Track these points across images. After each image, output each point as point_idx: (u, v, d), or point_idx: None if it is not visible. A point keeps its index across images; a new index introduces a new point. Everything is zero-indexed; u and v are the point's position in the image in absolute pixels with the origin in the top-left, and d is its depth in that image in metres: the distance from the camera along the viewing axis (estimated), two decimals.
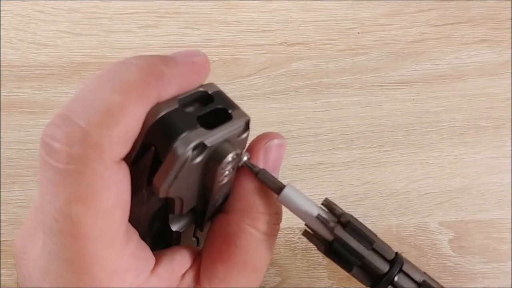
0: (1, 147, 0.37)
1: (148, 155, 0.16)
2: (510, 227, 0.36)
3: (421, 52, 0.38)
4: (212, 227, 0.20)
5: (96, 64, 0.37)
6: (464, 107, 0.37)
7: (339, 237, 0.19)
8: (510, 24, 0.39)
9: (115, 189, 0.15)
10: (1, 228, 0.36)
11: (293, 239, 0.35)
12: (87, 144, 0.14)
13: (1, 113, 0.37)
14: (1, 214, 0.36)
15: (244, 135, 0.18)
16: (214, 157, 0.17)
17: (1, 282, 0.36)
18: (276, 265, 0.35)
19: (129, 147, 0.15)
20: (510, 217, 0.36)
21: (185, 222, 0.20)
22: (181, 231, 0.20)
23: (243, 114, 0.18)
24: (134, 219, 0.17)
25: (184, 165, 0.16)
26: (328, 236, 0.20)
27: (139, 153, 0.16)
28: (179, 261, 0.19)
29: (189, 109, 0.17)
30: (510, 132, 0.37)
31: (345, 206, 0.36)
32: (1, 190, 0.36)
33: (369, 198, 0.36)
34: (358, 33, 0.38)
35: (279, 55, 0.38)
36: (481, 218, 0.36)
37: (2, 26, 0.37)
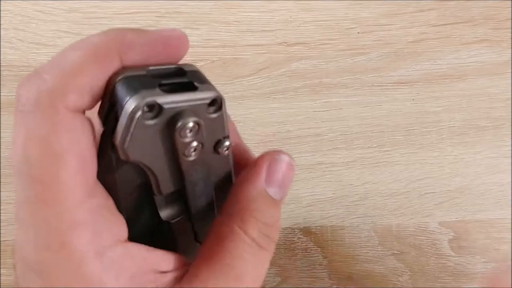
0: (1, 147, 0.37)
1: (111, 115, 0.16)
2: (510, 227, 0.36)
3: (421, 52, 0.38)
4: (209, 230, 0.20)
5: None
6: (464, 107, 0.37)
7: None
8: (510, 24, 0.39)
9: (67, 135, 0.16)
10: (1, 228, 0.36)
11: (293, 239, 0.35)
12: (42, 90, 0.16)
13: (1, 113, 0.37)
14: (1, 214, 0.36)
15: (216, 114, 0.17)
16: (171, 122, 0.16)
17: (1, 282, 0.36)
18: (276, 265, 0.35)
19: (85, 101, 0.16)
20: (510, 217, 0.36)
21: (174, 211, 0.20)
22: (171, 221, 0.20)
23: (214, 90, 0.17)
24: (111, 191, 0.17)
25: (136, 122, 0.16)
26: None
27: (107, 114, 0.17)
28: (162, 257, 0.18)
29: (156, 78, 0.17)
30: (510, 132, 0.37)
31: (345, 206, 0.36)
32: (1, 190, 0.36)
33: (369, 198, 0.36)
34: (358, 33, 0.38)
35: (279, 55, 0.38)
36: (481, 218, 0.36)
37: (2, 26, 0.37)
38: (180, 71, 0.18)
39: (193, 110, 0.17)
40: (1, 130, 0.37)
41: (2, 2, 0.38)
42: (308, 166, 0.36)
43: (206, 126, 0.17)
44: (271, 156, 0.20)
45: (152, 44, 0.17)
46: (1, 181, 0.36)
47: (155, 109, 0.16)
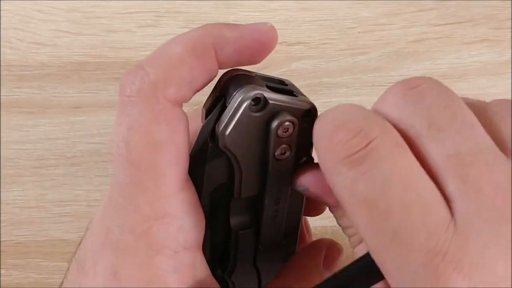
0: (0, 147, 0.36)
1: (218, 105, 0.18)
2: None
3: (422, 51, 0.38)
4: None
5: (95, 64, 0.37)
6: None
7: None
8: (511, 23, 0.39)
9: (167, 125, 0.17)
10: (1, 229, 0.36)
11: None
12: (145, 81, 0.17)
13: (1, 113, 0.37)
14: (1, 215, 0.36)
15: (308, 124, 0.18)
16: (273, 118, 0.18)
17: (1, 282, 0.36)
18: None
19: (184, 93, 0.17)
20: None
21: (245, 221, 0.20)
22: (240, 231, 0.20)
23: (309, 101, 0.19)
24: (196, 185, 0.18)
25: (242, 111, 0.17)
26: None
27: (212, 106, 0.18)
28: None
29: (264, 80, 0.19)
30: (510, 132, 0.37)
31: None
32: (1, 190, 0.36)
33: None
34: (359, 32, 0.38)
35: (279, 55, 0.38)
36: None
37: (1, 26, 0.37)
38: (282, 82, 0.19)
39: (292, 112, 0.18)
40: (1, 130, 0.37)
41: (1, 1, 0.38)
42: None
43: (300, 135, 0.18)
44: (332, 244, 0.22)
45: (245, 38, 0.18)
46: (1, 181, 0.36)
47: (261, 102, 0.17)
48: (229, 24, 0.18)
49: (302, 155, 0.19)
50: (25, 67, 0.37)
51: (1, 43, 0.37)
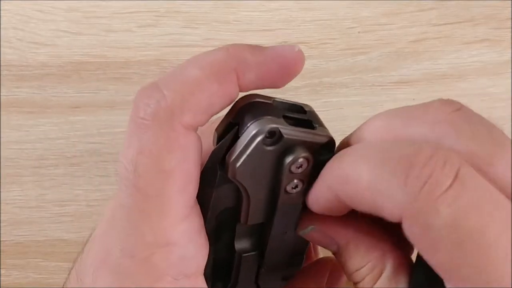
0: (0, 147, 0.36)
1: (231, 133, 0.17)
2: None
3: (422, 51, 0.38)
4: None
5: (95, 64, 0.37)
6: None
7: None
8: (511, 23, 0.39)
9: (180, 153, 0.16)
10: (1, 229, 0.36)
11: None
12: (161, 105, 0.16)
13: (0, 113, 0.37)
14: (1, 214, 0.36)
15: (325, 157, 0.17)
16: (286, 153, 0.17)
17: (1, 282, 0.36)
18: None
19: (200, 119, 0.16)
20: None
21: (249, 245, 0.20)
22: (244, 255, 0.20)
23: (328, 133, 0.18)
24: (203, 208, 0.17)
25: (254, 144, 0.16)
26: None
27: (225, 132, 0.17)
28: None
29: (281, 109, 0.18)
30: (510, 132, 0.37)
31: None
32: (1, 190, 0.36)
33: None
34: (359, 32, 0.38)
35: None
36: None
37: (1, 26, 0.37)
38: (301, 109, 0.18)
39: (307, 146, 0.17)
40: (0, 130, 0.36)
41: (1, 1, 0.38)
42: None
43: (313, 169, 0.17)
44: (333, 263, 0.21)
45: (269, 63, 0.17)
46: (1, 181, 0.36)
47: (275, 136, 0.16)
48: (253, 46, 0.17)
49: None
50: (24, 67, 0.37)
51: (1, 43, 0.37)
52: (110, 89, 0.37)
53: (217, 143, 0.18)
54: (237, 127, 0.17)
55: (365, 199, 0.15)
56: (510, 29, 0.39)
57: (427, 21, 0.39)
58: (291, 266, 0.21)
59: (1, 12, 0.37)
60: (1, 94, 0.37)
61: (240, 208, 0.18)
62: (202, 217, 0.18)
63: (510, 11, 0.39)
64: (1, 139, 0.36)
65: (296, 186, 0.18)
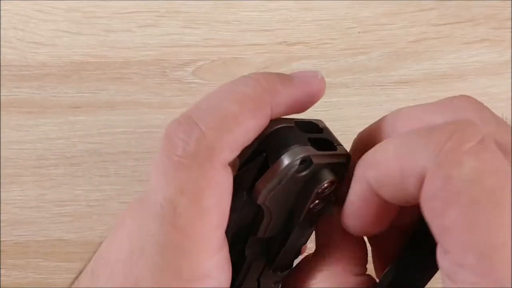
0: (0, 147, 0.36)
1: (258, 160, 0.17)
2: None
3: (422, 51, 0.38)
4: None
5: (95, 64, 0.37)
6: None
7: None
8: (511, 23, 0.39)
9: (218, 190, 0.16)
10: (1, 229, 0.36)
11: None
12: (201, 144, 0.16)
13: (0, 113, 0.37)
14: (1, 214, 0.36)
15: (344, 175, 0.18)
16: (314, 178, 0.17)
17: (1, 282, 0.36)
18: None
19: (236, 154, 0.16)
20: None
21: (259, 252, 0.20)
22: (254, 261, 0.20)
23: (346, 151, 0.19)
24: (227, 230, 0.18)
25: (288, 174, 0.17)
26: None
27: (250, 158, 0.18)
28: None
29: (304, 132, 0.18)
30: None
31: None
32: (1, 190, 0.36)
33: None
34: (359, 32, 0.38)
35: (279, 55, 0.38)
36: None
37: (1, 26, 0.37)
38: (318, 127, 0.19)
39: (332, 169, 0.18)
40: (0, 130, 0.36)
41: (1, 1, 0.38)
42: None
43: (335, 189, 0.18)
44: None
45: (298, 95, 0.18)
46: (1, 181, 0.36)
47: (306, 164, 0.17)
48: (282, 76, 0.18)
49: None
50: (24, 67, 0.37)
51: (1, 43, 0.37)
52: (110, 89, 0.37)
53: (240, 169, 0.18)
54: (264, 154, 0.17)
55: (392, 172, 0.15)
56: (510, 29, 0.39)
57: (427, 21, 0.39)
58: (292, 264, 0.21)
59: (1, 12, 0.37)
60: (1, 94, 0.37)
61: (256, 223, 0.19)
62: (227, 244, 0.18)
63: (510, 11, 0.39)
64: (1, 139, 0.36)
65: (318, 203, 0.18)
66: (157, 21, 0.38)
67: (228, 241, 0.18)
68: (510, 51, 0.38)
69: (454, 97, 0.16)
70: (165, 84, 0.37)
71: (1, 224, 0.36)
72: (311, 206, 0.18)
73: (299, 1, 0.38)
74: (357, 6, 0.38)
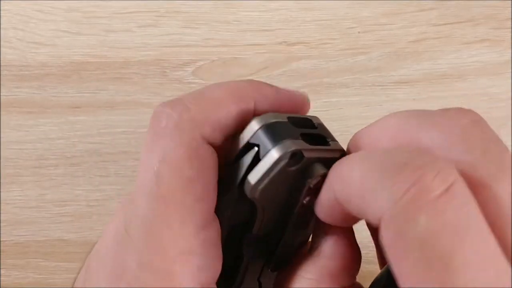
0: (0, 147, 0.36)
1: (249, 154, 0.18)
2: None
3: (422, 51, 0.38)
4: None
5: (95, 64, 0.37)
6: (464, 107, 0.37)
7: None
8: (511, 23, 0.39)
9: (200, 162, 0.16)
10: (1, 229, 0.36)
11: None
12: (183, 116, 0.17)
13: (0, 113, 0.37)
14: (1, 214, 0.36)
15: None
16: (306, 172, 0.18)
17: (1, 282, 0.36)
18: None
19: (216, 136, 0.17)
20: None
21: (257, 251, 0.20)
22: (251, 262, 0.20)
23: (340, 147, 0.19)
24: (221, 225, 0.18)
25: (279, 167, 0.17)
26: None
27: (242, 153, 0.18)
28: None
29: (297, 127, 0.18)
30: (510, 132, 0.37)
31: None
32: (1, 190, 0.36)
33: None
34: (359, 32, 0.38)
35: (279, 55, 0.38)
36: None
37: (1, 26, 0.37)
38: (312, 123, 0.19)
39: (324, 163, 0.18)
40: (0, 130, 0.37)
41: (1, 1, 0.38)
42: None
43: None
44: None
45: (283, 101, 0.19)
46: (1, 181, 0.36)
47: (297, 157, 0.17)
48: (271, 85, 0.19)
49: None
50: (24, 67, 0.37)
51: (1, 43, 0.37)
52: (110, 89, 0.37)
53: (233, 164, 0.18)
54: (256, 148, 0.18)
55: (354, 197, 0.15)
56: (510, 29, 0.39)
57: (427, 21, 0.39)
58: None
59: (1, 12, 0.37)
60: (1, 94, 0.37)
61: (251, 220, 0.19)
62: (220, 230, 0.18)
63: (510, 11, 0.39)
64: (1, 139, 0.36)
65: (311, 198, 0.18)
66: (157, 21, 0.38)
67: (223, 237, 0.18)
68: (510, 51, 0.38)
69: (448, 111, 0.16)
70: (165, 84, 0.37)
71: (1, 224, 0.36)
72: (305, 202, 0.18)
73: (299, 1, 0.38)
74: (357, 6, 0.38)
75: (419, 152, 0.14)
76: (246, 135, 0.18)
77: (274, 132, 0.17)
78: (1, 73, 0.37)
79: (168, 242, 0.16)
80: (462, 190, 0.13)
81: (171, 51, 0.37)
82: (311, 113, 0.38)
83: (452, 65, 0.38)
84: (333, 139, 0.19)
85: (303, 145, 0.17)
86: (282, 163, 0.17)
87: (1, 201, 0.36)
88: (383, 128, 0.17)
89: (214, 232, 0.17)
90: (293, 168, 0.17)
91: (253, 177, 0.17)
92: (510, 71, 0.38)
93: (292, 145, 0.17)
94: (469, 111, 0.16)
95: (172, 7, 0.38)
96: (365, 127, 0.18)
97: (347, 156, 0.17)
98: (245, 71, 0.37)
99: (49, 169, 0.36)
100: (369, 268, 0.34)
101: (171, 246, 0.16)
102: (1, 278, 0.36)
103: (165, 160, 0.16)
